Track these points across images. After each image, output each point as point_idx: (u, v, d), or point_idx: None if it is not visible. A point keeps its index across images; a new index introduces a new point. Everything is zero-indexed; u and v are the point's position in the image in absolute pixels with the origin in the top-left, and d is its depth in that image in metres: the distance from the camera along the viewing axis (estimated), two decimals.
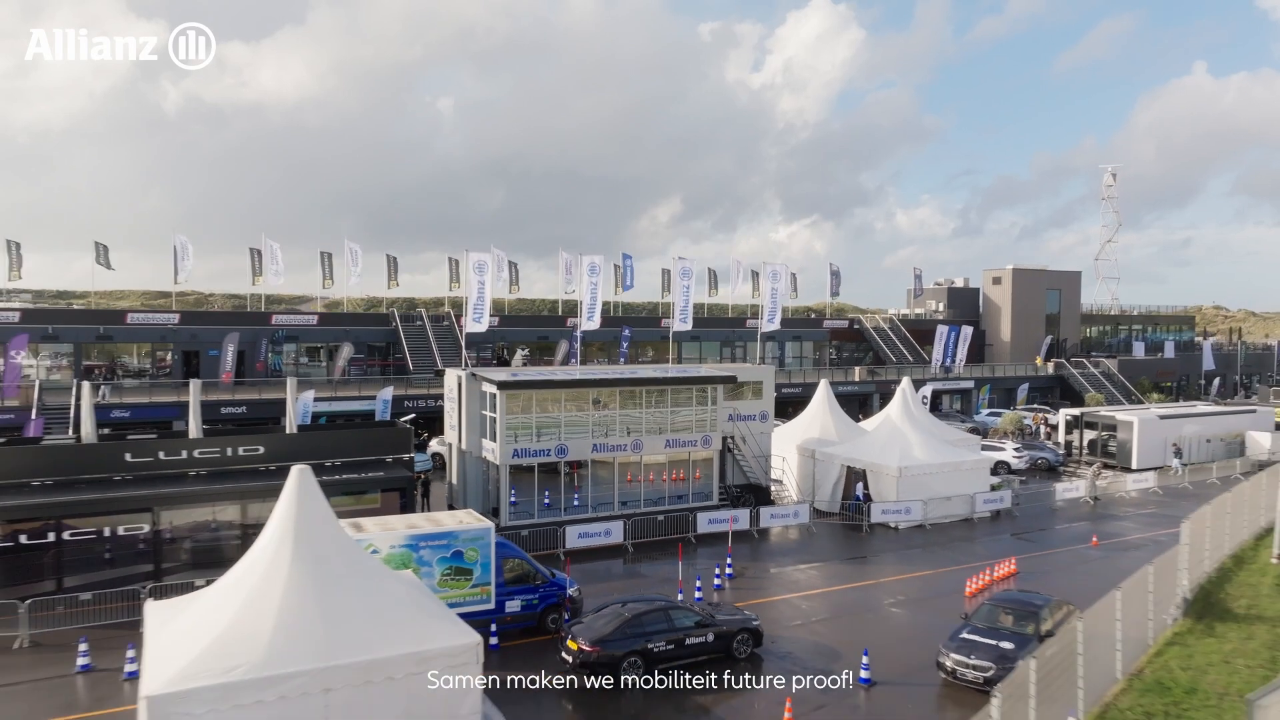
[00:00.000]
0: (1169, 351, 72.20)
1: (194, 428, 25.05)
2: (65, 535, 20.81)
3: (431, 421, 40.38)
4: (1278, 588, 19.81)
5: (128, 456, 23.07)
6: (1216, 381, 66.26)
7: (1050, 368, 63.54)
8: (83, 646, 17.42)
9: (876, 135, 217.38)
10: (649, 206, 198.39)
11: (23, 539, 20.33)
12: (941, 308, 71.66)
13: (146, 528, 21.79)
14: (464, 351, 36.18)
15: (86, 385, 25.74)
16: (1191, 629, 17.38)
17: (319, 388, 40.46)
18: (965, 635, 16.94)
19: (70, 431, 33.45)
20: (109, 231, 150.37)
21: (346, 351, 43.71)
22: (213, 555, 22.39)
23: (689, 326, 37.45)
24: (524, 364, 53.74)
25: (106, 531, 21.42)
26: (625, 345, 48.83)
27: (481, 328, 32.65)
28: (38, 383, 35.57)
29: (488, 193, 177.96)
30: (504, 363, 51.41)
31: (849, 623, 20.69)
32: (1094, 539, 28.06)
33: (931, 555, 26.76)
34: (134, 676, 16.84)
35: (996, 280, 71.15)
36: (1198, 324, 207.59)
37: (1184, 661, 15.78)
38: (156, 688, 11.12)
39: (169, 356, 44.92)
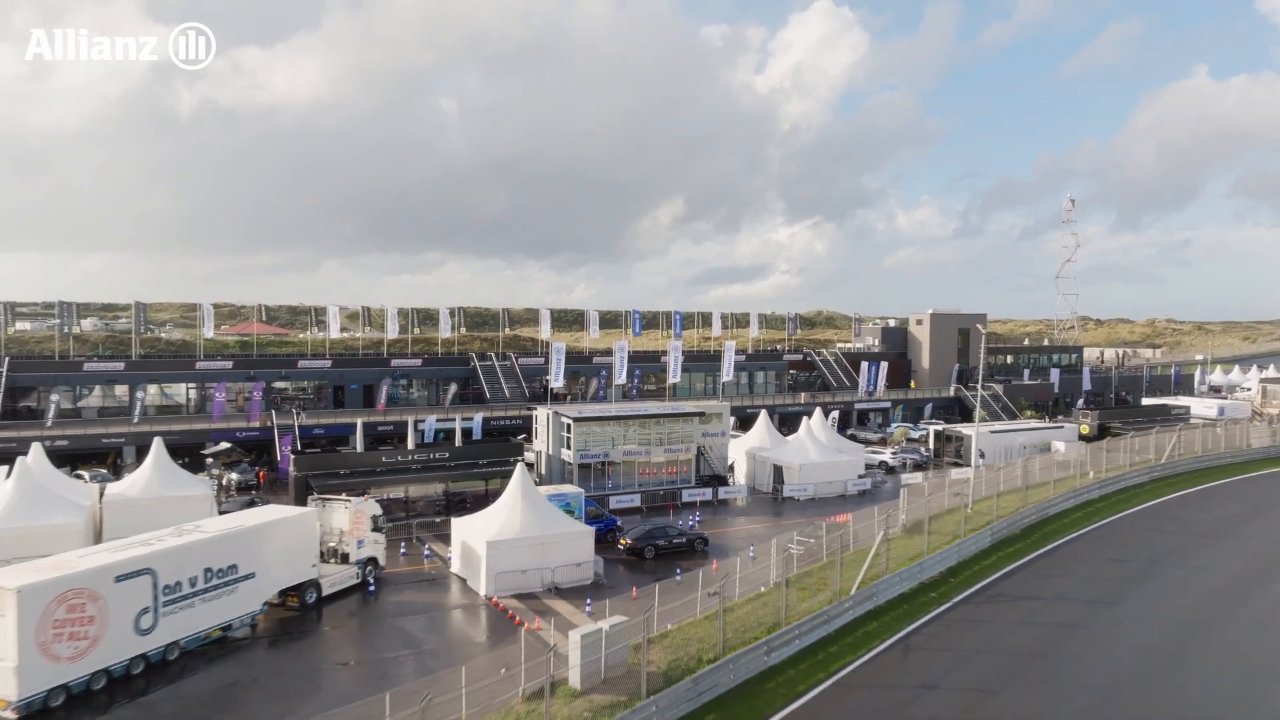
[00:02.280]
0: (1054, 376, 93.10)
1: (410, 442, 46.23)
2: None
3: (507, 433, 61.27)
4: (958, 522, 40.78)
5: (383, 459, 44.32)
6: (1080, 401, 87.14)
7: (952, 391, 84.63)
8: (403, 545, 38.54)
9: (879, 137, 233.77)
10: (650, 208, 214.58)
11: None
12: (876, 343, 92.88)
13: (401, 494, 43.09)
14: (549, 387, 57.19)
15: (361, 422, 46.99)
16: (905, 535, 38.37)
17: (432, 411, 61.43)
18: (796, 536, 37.94)
19: (298, 446, 54.41)
20: (112, 232, 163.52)
21: (453, 389, 64.89)
22: (431, 509, 43.69)
23: (679, 379, 58.83)
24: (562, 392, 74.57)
25: (383, 496, 42.63)
26: (637, 379, 69.97)
27: (559, 385, 54.00)
28: (273, 412, 56.61)
29: (492, 194, 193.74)
30: (547, 387, 72.45)
31: (754, 539, 41.62)
32: None
33: (814, 513, 47.63)
34: (430, 556, 37.98)
35: (919, 321, 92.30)
36: (1148, 335, 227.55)
37: (891, 547, 36.71)
38: (490, 538, 32.28)
39: (315, 390, 66.01)
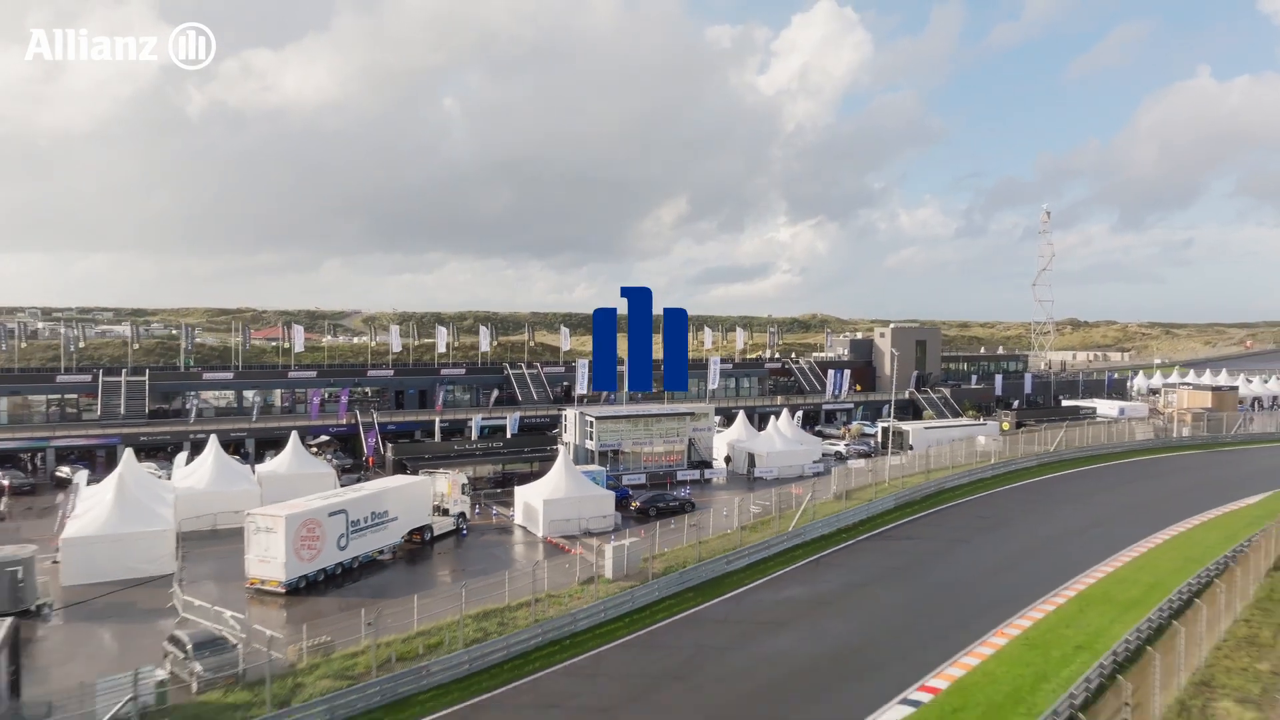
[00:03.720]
0: (998, 382, 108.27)
1: (474, 434, 61.61)
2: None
3: (537, 429, 76.49)
4: (876, 493, 55.90)
5: (454, 446, 59.74)
6: (1015, 403, 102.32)
7: (908, 395, 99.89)
8: (476, 507, 53.84)
9: (883, 137, 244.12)
10: (653, 208, 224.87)
11: None
12: (845, 352, 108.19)
13: (472, 472, 58.43)
14: (574, 393, 72.57)
15: (438, 418, 62.34)
16: (834, 500, 53.55)
17: (477, 411, 76.69)
18: (754, 499, 53.15)
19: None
20: (114, 232, 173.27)
21: (495, 394, 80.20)
22: (488, 484, 59.08)
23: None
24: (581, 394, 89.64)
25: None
26: None
27: (584, 392, 69.33)
28: (358, 411, 71.88)
29: (495, 194, 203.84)
30: (567, 391, 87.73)
31: (727, 504, 56.84)
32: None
33: (774, 487, 62.87)
34: (496, 515, 53.29)
35: (882, 334, 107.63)
36: (1119, 339, 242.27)
37: (820, 508, 51.87)
38: (546, 496, 47.66)
39: (377, 394, 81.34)
